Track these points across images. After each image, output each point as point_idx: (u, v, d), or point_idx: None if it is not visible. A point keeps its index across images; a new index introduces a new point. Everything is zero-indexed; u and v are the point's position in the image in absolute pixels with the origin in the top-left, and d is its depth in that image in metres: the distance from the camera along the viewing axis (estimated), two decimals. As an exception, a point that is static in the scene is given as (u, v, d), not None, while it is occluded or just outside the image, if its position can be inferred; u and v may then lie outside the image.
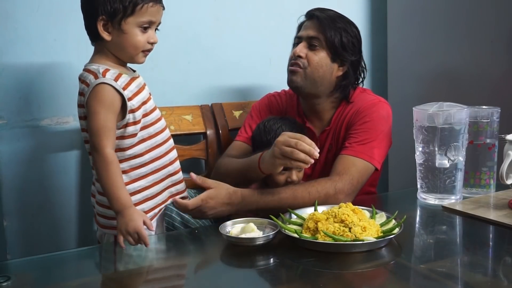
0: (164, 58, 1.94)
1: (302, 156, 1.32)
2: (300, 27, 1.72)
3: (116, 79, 1.32)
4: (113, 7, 1.29)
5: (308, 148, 1.31)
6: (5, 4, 1.75)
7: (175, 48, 2.00)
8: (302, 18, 1.73)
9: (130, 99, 1.34)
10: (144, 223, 1.26)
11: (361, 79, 1.72)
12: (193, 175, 1.43)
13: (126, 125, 1.34)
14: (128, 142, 1.36)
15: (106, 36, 1.31)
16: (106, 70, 1.32)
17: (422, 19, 2.21)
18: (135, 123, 1.35)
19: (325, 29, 1.62)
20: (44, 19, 1.80)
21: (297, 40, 1.69)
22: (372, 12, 2.40)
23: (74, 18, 1.80)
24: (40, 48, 1.80)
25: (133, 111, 1.34)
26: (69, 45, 1.83)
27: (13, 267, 1.26)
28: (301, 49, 1.63)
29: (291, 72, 1.66)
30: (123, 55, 1.36)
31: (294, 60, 1.65)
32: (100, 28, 1.31)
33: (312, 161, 1.32)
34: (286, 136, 1.36)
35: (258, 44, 2.18)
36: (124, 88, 1.33)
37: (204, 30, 2.07)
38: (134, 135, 1.36)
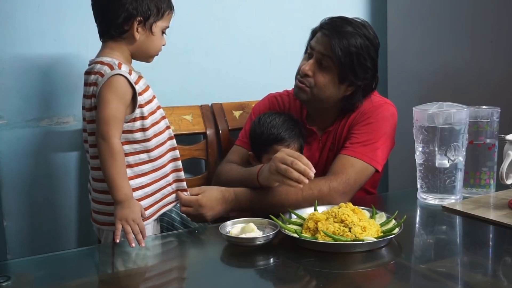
0: (164, 58, 1.94)
1: (296, 175, 1.32)
2: (314, 33, 1.63)
3: (129, 73, 1.37)
4: (150, 9, 1.38)
5: (303, 168, 1.32)
6: (5, 4, 1.75)
7: (175, 48, 2.00)
8: (319, 25, 1.62)
9: (139, 94, 1.38)
10: (141, 213, 1.33)
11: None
12: (179, 194, 1.47)
13: (135, 119, 1.37)
14: (138, 136, 1.38)
15: (137, 35, 1.38)
16: (120, 64, 1.37)
17: (422, 19, 2.21)
18: (142, 118, 1.38)
19: (335, 50, 1.53)
20: (44, 19, 1.79)
21: (309, 50, 1.61)
22: (372, 12, 2.40)
23: (74, 18, 1.81)
24: (40, 48, 1.80)
25: (141, 106, 1.38)
26: (69, 45, 1.83)
27: (13, 267, 1.26)
28: (310, 67, 1.57)
29: (297, 87, 1.62)
30: (142, 55, 1.43)
31: (301, 77, 1.59)
32: (135, 27, 1.37)
33: (307, 181, 1.33)
34: (284, 154, 1.36)
35: (258, 44, 2.18)
36: (135, 83, 1.37)
37: (204, 30, 2.07)
38: (143, 129, 1.39)
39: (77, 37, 1.82)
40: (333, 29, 1.56)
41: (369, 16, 2.39)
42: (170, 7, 1.43)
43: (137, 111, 1.37)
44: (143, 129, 1.39)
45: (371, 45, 1.58)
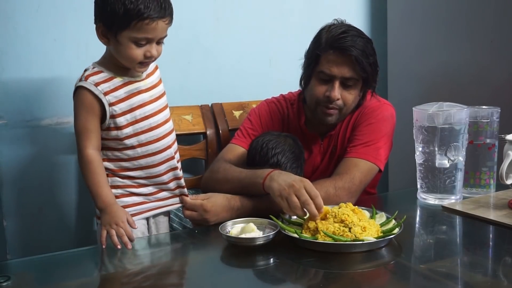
0: (164, 58, 1.93)
1: (302, 214, 1.29)
2: (317, 57, 1.55)
3: (99, 84, 1.32)
4: (110, 17, 1.27)
5: (312, 212, 1.26)
6: (5, 4, 1.74)
7: (175, 48, 2.00)
8: (322, 48, 1.54)
9: (112, 104, 1.33)
10: (127, 221, 1.28)
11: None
12: (184, 198, 1.44)
13: (109, 129, 1.35)
14: (112, 144, 1.36)
15: (104, 42, 1.33)
16: (95, 73, 1.33)
17: (422, 19, 2.21)
18: (117, 128, 1.35)
19: (362, 67, 1.51)
20: (44, 19, 1.79)
21: (324, 76, 1.55)
22: (372, 12, 2.40)
23: (74, 18, 1.81)
24: (40, 48, 1.80)
25: (114, 116, 1.33)
26: (68, 45, 1.83)
27: (13, 267, 1.27)
28: (338, 92, 1.54)
29: (325, 114, 1.58)
30: (122, 61, 1.35)
31: (329, 103, 1.56)
32: (98, 34, 1.32)
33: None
34: (302, 187, 1.29)
35: (258, 44, 2.18)
36: (107, 93, 1.32)
37: (204, 30, 2.07)
38: (117, 139, 1.35)
39: (77, 37, 1.82)
40: (348, 46, 1.50)
41: (369, 16, 2.40)
42: (139, 17, 1.25)
43: (110, 121, 1.33)
44: (119, 139, 1.35)
45: (372, 45, 1.58)
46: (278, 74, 2.20)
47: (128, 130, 1.35)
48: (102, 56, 1.40)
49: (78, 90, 1.33)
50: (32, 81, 1.80)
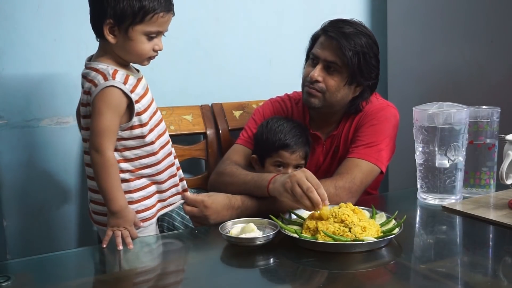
0: (164, 58, 1.93)
1: (307, 204, 1.29)
2: (314, 40, 1.64)
3: (125, 82, 1.31)
4: (122, 12, 1.26)
5: (316, 199, 1.27)
6: (5, 4, 1.75)
7: (175, 48, 2.00)
8: (319, 30, 1.63)
9: (137, 101, 1.33)
10: (134, 222, 1.32)
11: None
12: (185, 194, 1.44)
13: (132, 127, 1.34)
14: (135, 142, 1.35)
15: (111, 39, 1.30)
16: (116, 72, 1.31)
17: (422, 19, 2.21)
18: (141, 125, 1.35)
19: (344, 54, 1.54)
20: (44, 19, 1.80)
21: (312, 56, 1.61)
22: (372, 12, 2.40)
23: (74, 18, 1.81)
24: (40, 48, 1.80)
25: (139, 113, 1.34)
26: (69, 45, 1.83)
27: (13, 267, 1.26)
28: (319, 73, 1.57)
29: (308, 94, 1.61)
30: (128, 58, 1.35)
31: (311, 84, 1.59)
32: (106, 30, 1.29)
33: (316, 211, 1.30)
34: (303, 176, 1.31)
35: (258, 44, 2.18)
36: (131, 91, 1.32)
37: (204, 30, 2.07)
38: (140, 137, 1.35)
39: (77, 37, 1.82)
40: (337, 32, 1.56)
41: (369, 16, 2.40)
42: (155, 10, 1.28)
43: (135, 119, 1.33)
44: (143, 136, 1.35)
45: (374, 43, 1.60)
46: (278, 74, 2.20)
47: (148, 127, 1.36)
48: (100, 56, 1.35)
49: (107, 90, 1.29)
50: (32, 81, 1.80)
